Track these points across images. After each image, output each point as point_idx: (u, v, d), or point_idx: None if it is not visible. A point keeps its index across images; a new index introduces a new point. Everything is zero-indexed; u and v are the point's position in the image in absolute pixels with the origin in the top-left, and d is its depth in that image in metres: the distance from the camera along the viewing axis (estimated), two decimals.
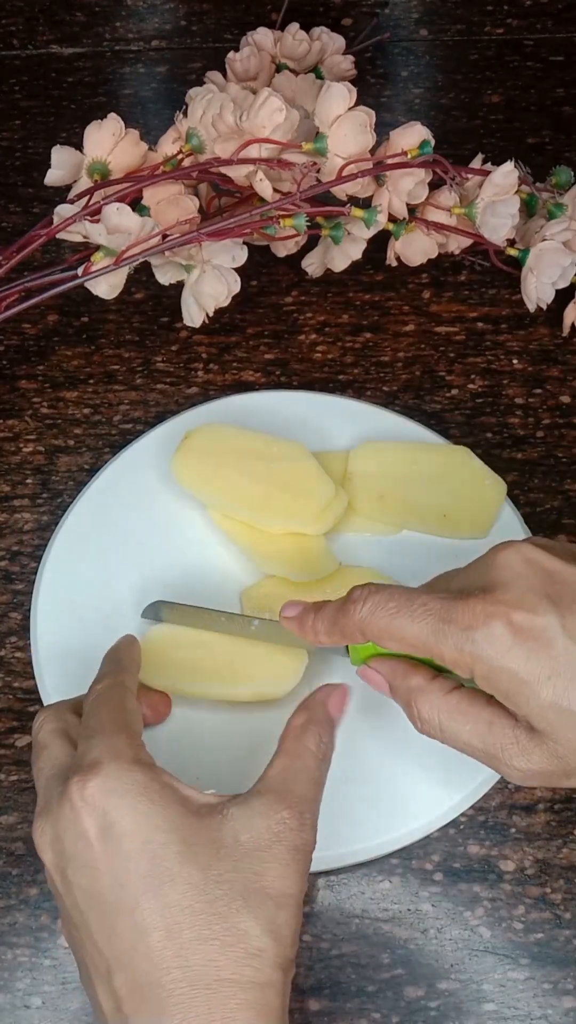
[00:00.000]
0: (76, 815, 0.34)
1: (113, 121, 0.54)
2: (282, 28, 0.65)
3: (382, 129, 0.54)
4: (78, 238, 0.52)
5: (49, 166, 0.55)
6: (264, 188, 0.52)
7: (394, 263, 0.61)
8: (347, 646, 0.41)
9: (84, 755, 0.35)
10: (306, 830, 0.35)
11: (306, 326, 0.61)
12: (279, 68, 0.65)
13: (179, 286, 0.56)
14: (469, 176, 0.57)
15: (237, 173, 0.53)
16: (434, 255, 0.61)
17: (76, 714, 0.40)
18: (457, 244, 0.60)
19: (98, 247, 0.52)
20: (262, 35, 0.64)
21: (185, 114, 0.55)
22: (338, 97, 0.52)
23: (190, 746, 0.45)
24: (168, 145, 0.56)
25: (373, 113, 0.53)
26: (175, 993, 0.31)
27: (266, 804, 0.35)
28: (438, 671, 0.38)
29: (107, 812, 0.33)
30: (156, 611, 0.48)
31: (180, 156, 0.55)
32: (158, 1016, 0.31)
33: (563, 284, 0.57)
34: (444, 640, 0.35)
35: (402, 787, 0.44)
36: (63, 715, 0.40)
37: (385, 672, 0.39)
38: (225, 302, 0.56)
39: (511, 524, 0.51)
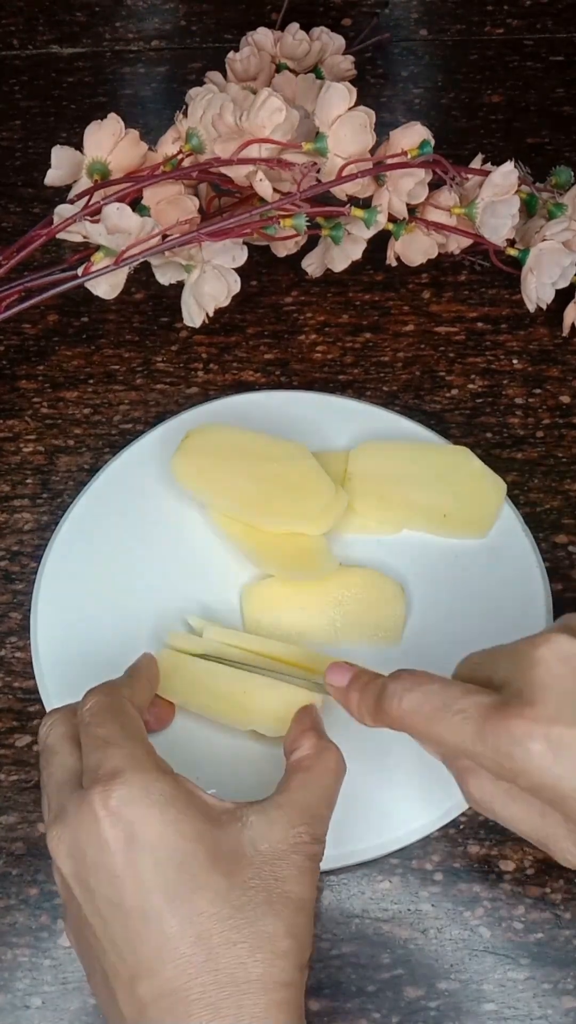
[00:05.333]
0: (98, 825, 0.34)
1: (113, 121, 0.54)
2: (282, 28, 0.65)
3: (382, 129, 0.54)
4: (78, 238, 0.52)
5: (49, 166, 0.55)
6: (264, 188, 0.52)
7: (394, 263, 0.61)
8: None
9: (102, 764, 0.35)
10: (319, 844, 0.36)
11: (306, 326, 0.61)
12: (279, 68, 0.65)
13: (179, 286, 0.56)
14: (469, 176, 0.57)
15: (237, 173, 0.53)
16: (434, 255, 0.61)
17: None
18: (457, 244, 0.60)
19: (98, 247, 0.52)
20: (262, 35, 0.64)
21: (185, 114, 0.55)
22: (338, 97, 0.52)
23: (191, 752, 0.45)
24: (168, 145, 0.56)
25: (373, 113, 0.53)
26: (204, 997, 0.32)
27: (285, 817, 0.36)
28: None
29: (132, 822, 0.34)
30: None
31: (180, 156, 0.55)
32: (185, 1019, 0.32)
33: (563, 284, 0.57)
34: (483, 753, 0.34)
35: (402, 787, 0.44)
36: (71, 719, 0.40)
37: (437, 752, 0.39)
38: (225, 302, 0.56)
39: (511, 524, 0.51)
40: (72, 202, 0.54)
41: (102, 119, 0.54)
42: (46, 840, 0.35)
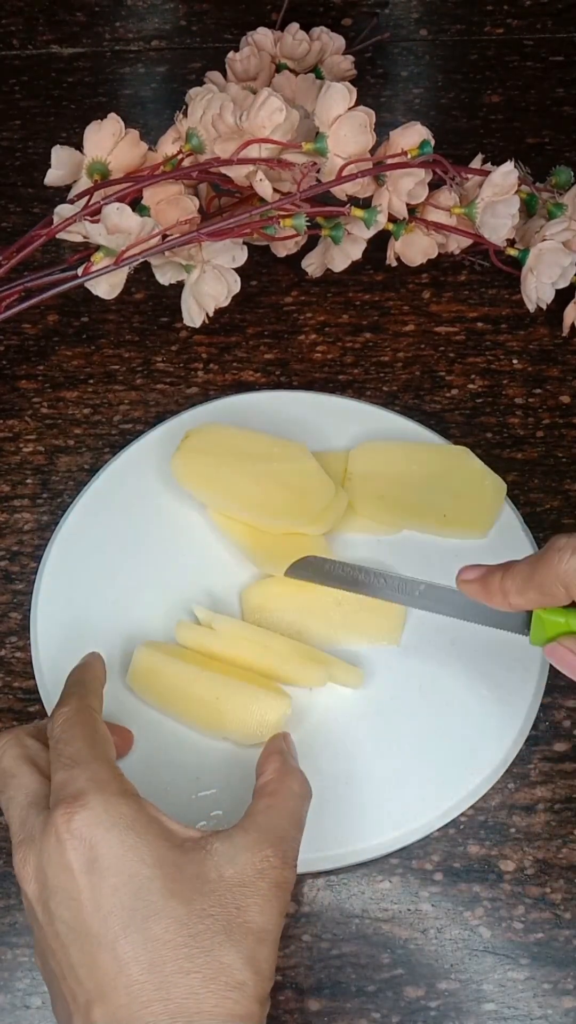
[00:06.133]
0: (61, 847, 0.34)
1: (113, 121, 0.54)
2: (282, 28, 0.65)
3: (382, 129, 0.54)
4: (78, 238, 0.52)
5: (49, 166, 0.55)
6: (264, 188, 0.52)
7: (394, 263, 0.61)
8: (530, 623, 0.40)
9: (67, 785, 0.35)
10: (288, 868, 0.36)
11: (306, 326, 0.61)
12: (279, 68, 0.65)
13: (179, 286, 0.56)
14: (469, 176, 0.57)
15: (237, 173, 0.53)
16: (434, 255, 0.61)
17: (36, 739, 0.39)
18: (457, 244, 0.60)
19: (98, 247, 0.52)
20: (262, 35, 0.64)
21: (185, 114, 0.55)
22: (338, 97, 0.52)
23: (187, 749, 0.45)
24: (168, 145, 0.56)
25: (373, 113, 0.53)
26: None
27: (251, 841, 0.35)
28: None
29: (94, 845, 0.34)
30: (303, 567, 0.45)
31: (180, 156, 0.55)
32: None
33: (563, 284, 0.57)
34: None
35: (402, 787, 0.44)
36: (23, 740, 0.39)
37: None
38: (225, 302, 0.56)
39: (511, 524, 0.51)
40: (72, 202, 0.54)
41: (102, 119, 0.54)
42: (12, 863, 0.35)
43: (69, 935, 0.33)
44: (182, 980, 0.32)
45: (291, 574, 0.46)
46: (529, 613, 0.40)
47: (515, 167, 0.55)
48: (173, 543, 0.51)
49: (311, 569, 0.46)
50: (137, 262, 0.52)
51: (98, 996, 0.32)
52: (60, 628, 0.49)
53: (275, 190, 0.53)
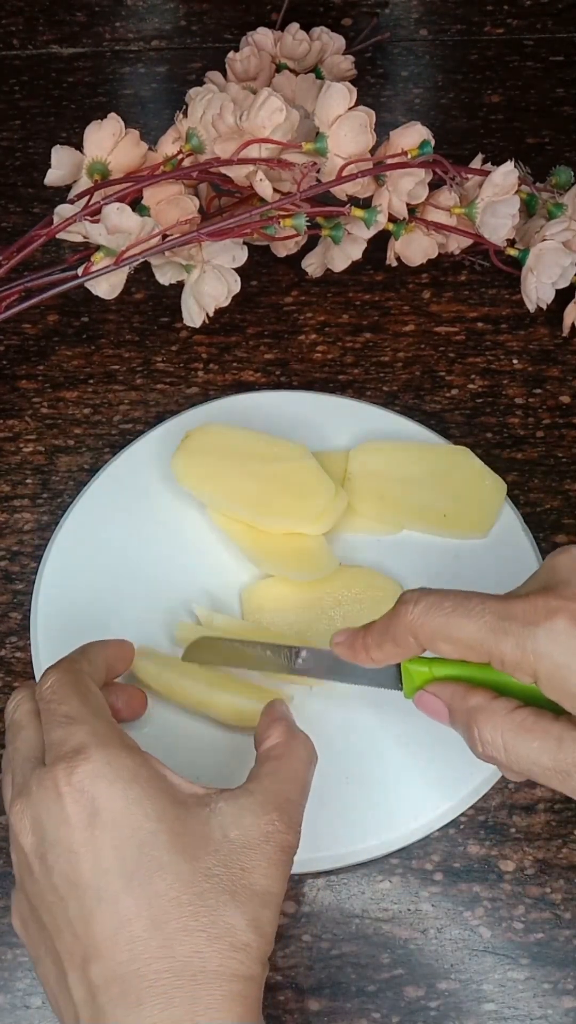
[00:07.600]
0: (61, 800, 0.33)
1: (113, 121, 0.54)
2: (282, 28, 0.65)
3: (382, 129, 0.54)
4: (78, 238, 0.52)
5: (49, 166, 0.55)
6: (264, 188, 0.52)
7: (394, 263, 0.61)
8: (401, 678, 0.40)
9: (65, 741, 0.35)
10: (293, 833, 0.35)
11: (306, 326, 0.61)
12: (279, 68, 0.65)
13: (179, 286, 0.56)
14: (469, 176, 0.57)
15: (237, 173, 0.53)
16: (434, 255, 0.61)
17: None
18: (457, 244, 0.60)
19: (98, 247, 0.52)
20: (262, 35, 0.64)
21: (185, 114, 0.55)
22: (338, 97, 0.52)
23: (183, 745, 0.45)
24: (168, 145, 0.56)
25: (373, 113, 0.53)
26: (157, 983, 0.31)
27: (257, 804, 0.35)
28: (499, 694, 0.37)
29: (95, 798, 0.33)
30: (197, 648, 0.46)
31: (180, 156, 0.55)
32: (136, 1007, 0.31)
33: (563, 284, 0.57)
34: (504, 638, 0.34)
35: (402, 787, 0.44)
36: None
37: (444, 695, 0.38)
38: (225, 302, 0.56)
39: (511, 524, 0.51)
40: (72, 202, 0.54)
41: (102, 119, 0.54)
42: (7, 815, 0.35)
43: (67, 889, 0.33)
44: (186, 938, 0.32)
45: (187, 658, 0.46)
46: (399, 668, 0.40)
47: (515, 167, 0.55)
48: (173, 543, 0.51)
49: (204, 650, 0.46)
50: (137, 262, 0.52)
51: (95, 953, 0.32)
52: (60, 629, 0.49)
53: (275, 190, 0.53)
